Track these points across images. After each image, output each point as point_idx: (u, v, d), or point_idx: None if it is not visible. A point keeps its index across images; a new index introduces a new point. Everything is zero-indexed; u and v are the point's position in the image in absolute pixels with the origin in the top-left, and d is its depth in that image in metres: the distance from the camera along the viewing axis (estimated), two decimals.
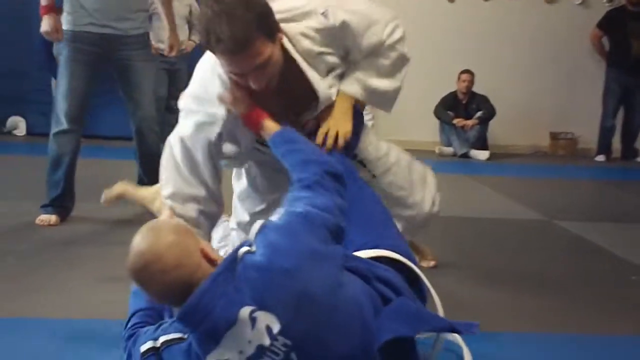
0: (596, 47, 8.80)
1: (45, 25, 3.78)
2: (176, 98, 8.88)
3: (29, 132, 8.02)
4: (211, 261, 1.74)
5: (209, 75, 2.33)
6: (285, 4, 2.31)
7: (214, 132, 2.35)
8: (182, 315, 1.68)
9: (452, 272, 3.21)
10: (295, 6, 2.32)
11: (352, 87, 2.44)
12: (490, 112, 8.19)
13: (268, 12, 2.13)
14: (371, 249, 2.06)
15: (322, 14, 2.31)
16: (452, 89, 8.29)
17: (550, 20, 8.85)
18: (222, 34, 2.02)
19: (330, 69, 2.41)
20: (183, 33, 7.46)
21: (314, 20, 2.31)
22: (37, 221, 3.86)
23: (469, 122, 8.12)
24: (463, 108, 8.27)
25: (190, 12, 7.56)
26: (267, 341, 1.64)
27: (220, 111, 2.32)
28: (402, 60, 2.50)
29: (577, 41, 8.85)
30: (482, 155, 8.02)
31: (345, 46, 2.40)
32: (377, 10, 2.43)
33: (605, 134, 8.76)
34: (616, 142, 8.89)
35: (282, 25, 2.24)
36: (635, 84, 8.61)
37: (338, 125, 2.39)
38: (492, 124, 8.33)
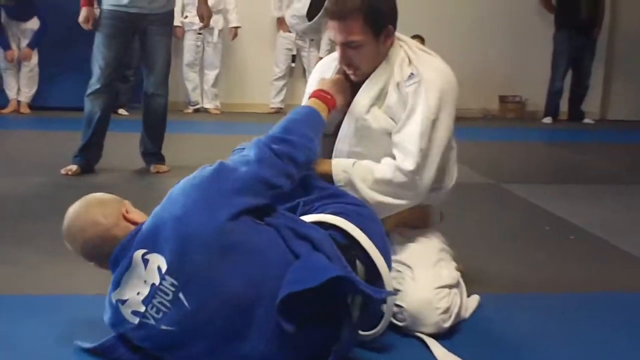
0: (545, 6, 8.91)
1: (82, 16, 4.47)
2: (129, 67, 8.86)
3: None
4: (132, 222, 1.97)
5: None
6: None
7: None
8: (110, 267, 1.93)
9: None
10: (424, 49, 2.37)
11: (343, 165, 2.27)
12: None
13: (380, 9, 2.23)
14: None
15: (411, 74, 2.27)
16: None
17: None
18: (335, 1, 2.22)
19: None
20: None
21: (406, 71, 2.29)
22: (62, 170, 4.48)
23: None
24: None
25: None
26: (157, 280, 1.84)
27: None
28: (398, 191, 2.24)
29: (526, 4, 8.96)
30: None
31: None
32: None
33: (553, 96, 8.91)
34: (563, 105, 9.06)
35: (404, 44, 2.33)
36: (583, 46, 8.75)
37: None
38: None
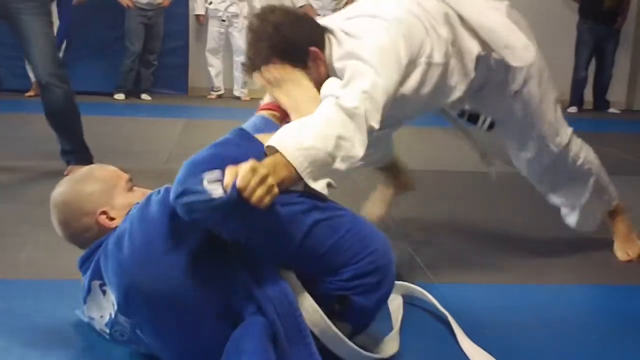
0: None
1: None
2: (152, 52, 8.94)
3: None
4: (105, 227, 1.86)
5: None
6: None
7: None
8: (78, 266, 1.90)
9: (418, 225, 3.26)
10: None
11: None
12: None
13: (291, 39, 2.05)
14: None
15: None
16: None
17: None
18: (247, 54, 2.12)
19: None
20: None
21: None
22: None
23: None
24: None
25: None
26: (113, 313, 1.77)
27: None
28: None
29: None
30: None
31: None
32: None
33: (577, 85, 8.85)
34: (588, 94, 8.98)
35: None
36: (607, 35, 8.70)
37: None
38: None
